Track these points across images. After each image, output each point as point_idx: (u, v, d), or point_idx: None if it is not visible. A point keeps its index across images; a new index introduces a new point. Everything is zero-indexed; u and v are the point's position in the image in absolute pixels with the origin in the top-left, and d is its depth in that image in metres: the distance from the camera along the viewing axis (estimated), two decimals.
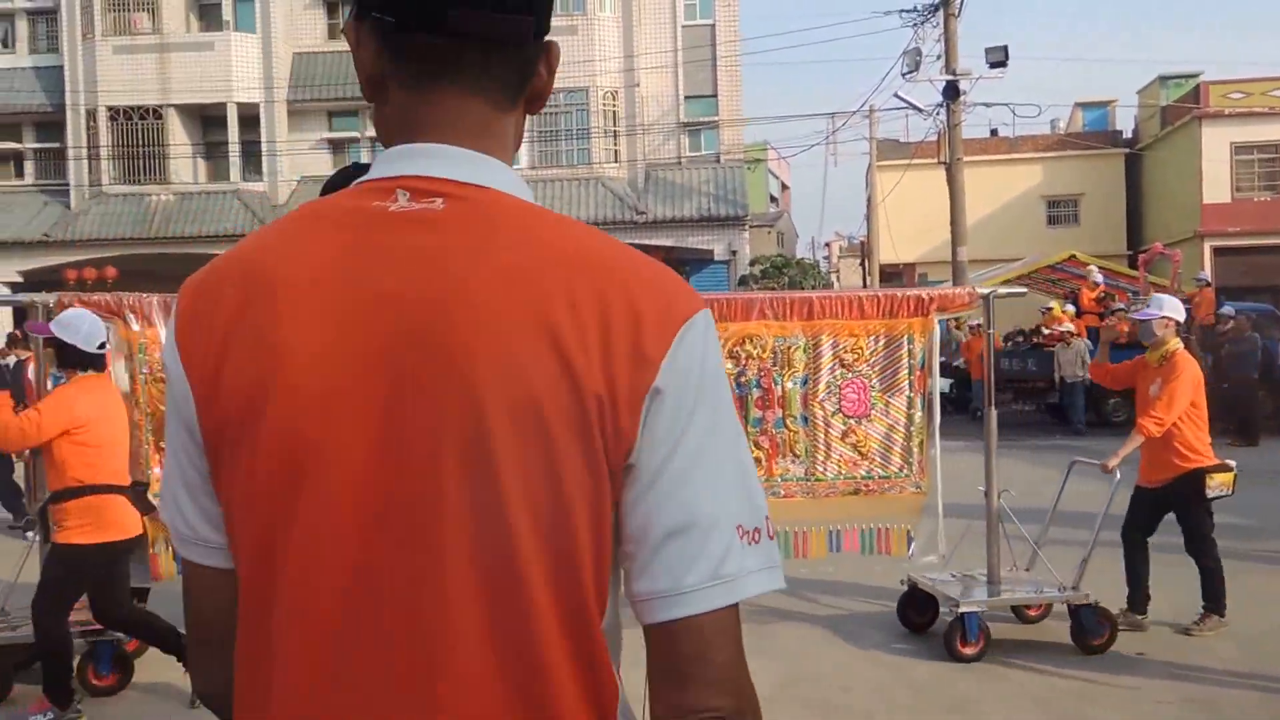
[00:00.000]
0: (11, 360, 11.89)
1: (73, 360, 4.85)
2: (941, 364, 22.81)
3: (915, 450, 5.79)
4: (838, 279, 48.43)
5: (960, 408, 19.56)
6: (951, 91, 21.09)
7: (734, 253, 24.57)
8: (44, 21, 26.24)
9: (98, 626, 5.15)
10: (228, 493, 1.03)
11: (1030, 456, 12.73)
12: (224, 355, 1.00)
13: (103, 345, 4.95)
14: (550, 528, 0.97)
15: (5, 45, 26.51)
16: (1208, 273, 19.40)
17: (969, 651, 5.52)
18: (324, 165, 25.34)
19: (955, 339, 20.54)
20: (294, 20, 25.58)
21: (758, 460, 5.61)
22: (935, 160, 23.06)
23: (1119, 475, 5.84)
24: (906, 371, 5.77)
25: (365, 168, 2.31)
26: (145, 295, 5.66)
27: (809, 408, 5.75)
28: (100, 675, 5.21)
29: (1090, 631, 5.64)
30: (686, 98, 25.38)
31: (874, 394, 5.77)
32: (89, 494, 4.73)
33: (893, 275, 33.34)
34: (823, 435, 5.74)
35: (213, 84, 24.62)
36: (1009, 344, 19.75)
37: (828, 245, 54.06)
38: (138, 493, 5.03)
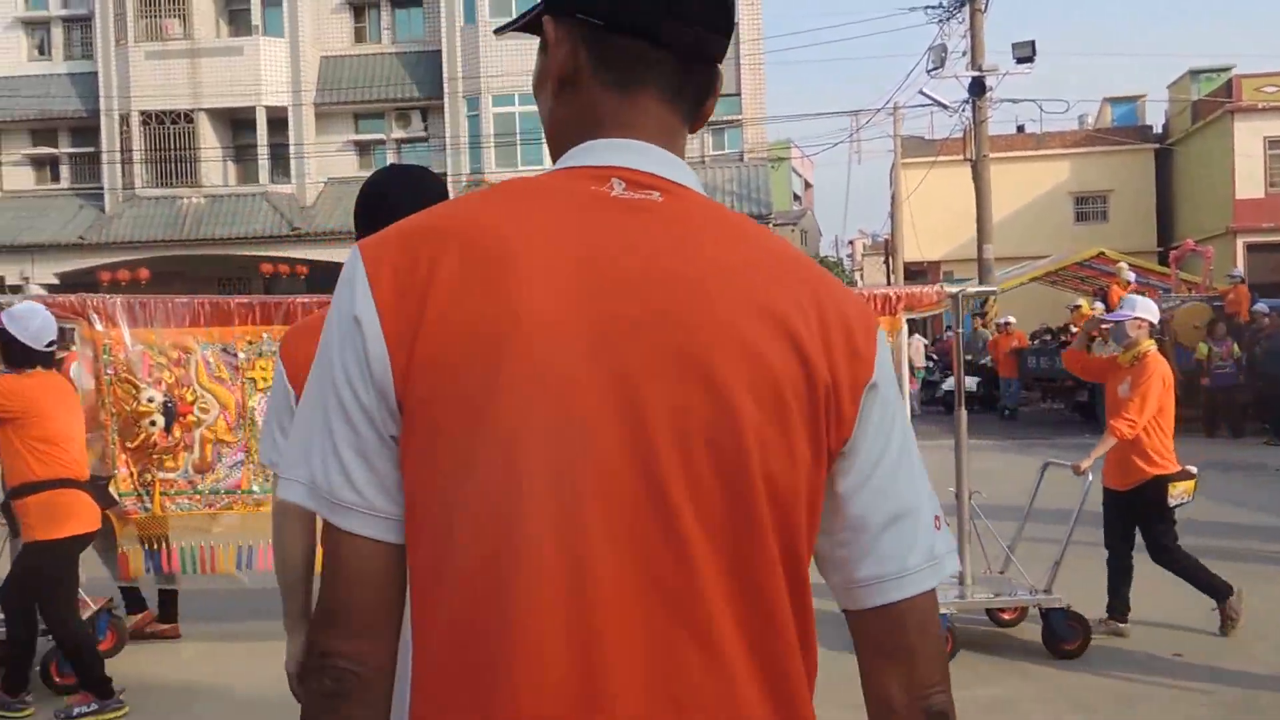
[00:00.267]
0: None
1: (18, 358, 4.75)
2: (968, 362, 22.77)
3: None
4: (861, 277, 48.30)
5: (988, 406, 19.51)
6: (977, 88, 21.03)
7: None
8: (79, 29, 26.61)
9: None
10: (425, 459, 0.98)
11: (1059, 456, 12.61)
12: (444, 319, 0.97)
13: (51, 343, 4.85)
14: (783, 506, 1.01)
15: (41, 52, 26.91)
16: (1241, 269, 19.22)
17: None
18: (350, 167, 25.60)
19: (982, 337, 20.48)
20: (321, 24, 25.82)
21: None
22: (961, 157, 22.96)
23: (1090, 477, 5.80)
24: None
25: (408, 169, 2.37)
26: (109, 296, 5.74)
27: None
28: (63, 674, 5.18)
29: (1062, 635, 5.56)
30: None
31: None
32: (46, 489, 4.72)
33: (917, 273, 33.22)
34: None
35: (242, 88, 24.86)
36: (1036, 342, 19.68)
37: (851, 243, 53.92)
38: (98, 487, 5.04)
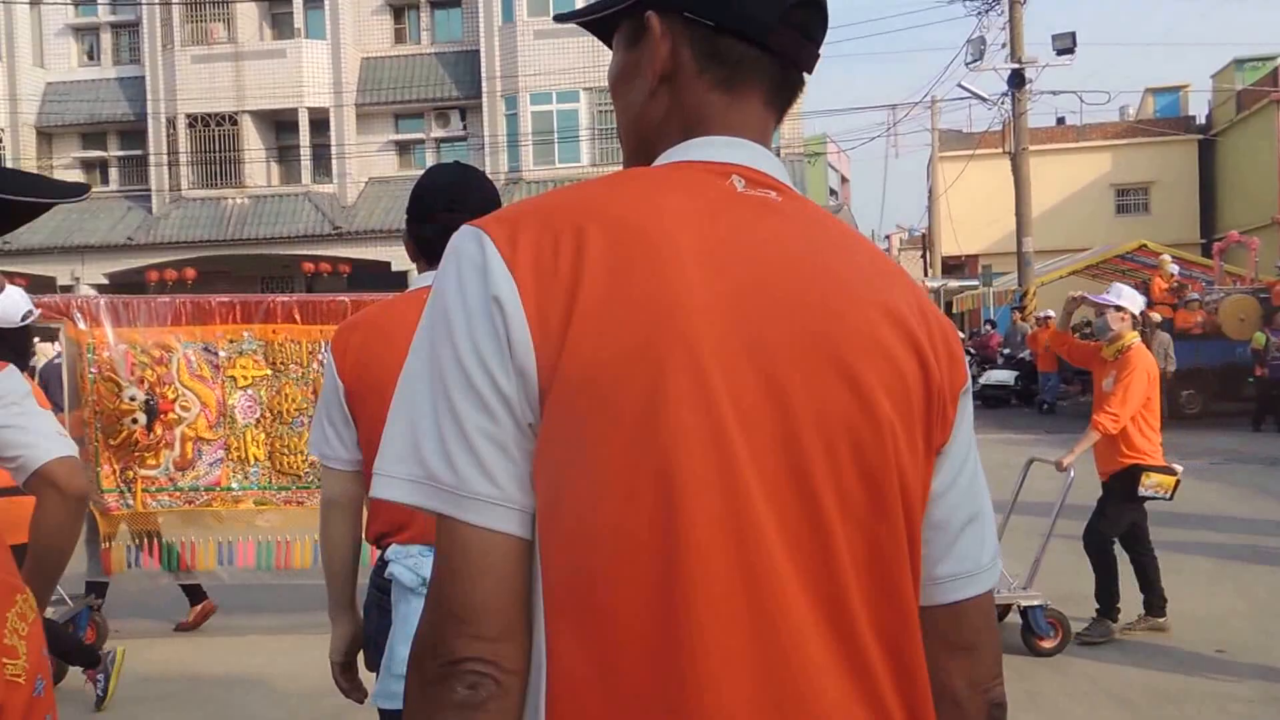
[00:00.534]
0: None
1: None
2: (1007, 356, 22.59)
3: None
4: None
5: (1026, 400, 19.45)
6: (1017, 80, 20.92)
7: None
8: (127, 34, 27.15)
9: None
10: (572, 449, 0.93)
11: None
12: (601, 305, 0.93)
13: (28, 315, 4.52)
14: (909, 504, 1.02)
15: (91, 58, 27.49)
16: None
17: None
18: (390, 167, 25.94)
19: (1021, 330, 20.41)
20: (362, 27, 26.16)
21: None
22: (1000, 150, 22.86)
23: (1072, 474, 5.73)
24: None
25: (468, 168, 2.40)
26: (94, 295, 5.79)
27: None
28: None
29: (1039, 633, 5.49)
30: None
31: None
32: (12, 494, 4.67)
33: (955, 267, 33.07)
34: None
35: (285, 90, 25.25)
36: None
37: (888, 238, 53.61)
38: None
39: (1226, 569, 6.88)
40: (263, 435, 5.90)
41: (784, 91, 1.12)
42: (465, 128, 25.89)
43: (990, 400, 19.98)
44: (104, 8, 27.10)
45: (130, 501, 5.86)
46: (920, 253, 41.49)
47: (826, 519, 0.96)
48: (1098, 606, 5.74)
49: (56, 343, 10.56)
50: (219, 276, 24.77)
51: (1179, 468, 5.75)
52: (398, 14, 26.61)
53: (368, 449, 2.26)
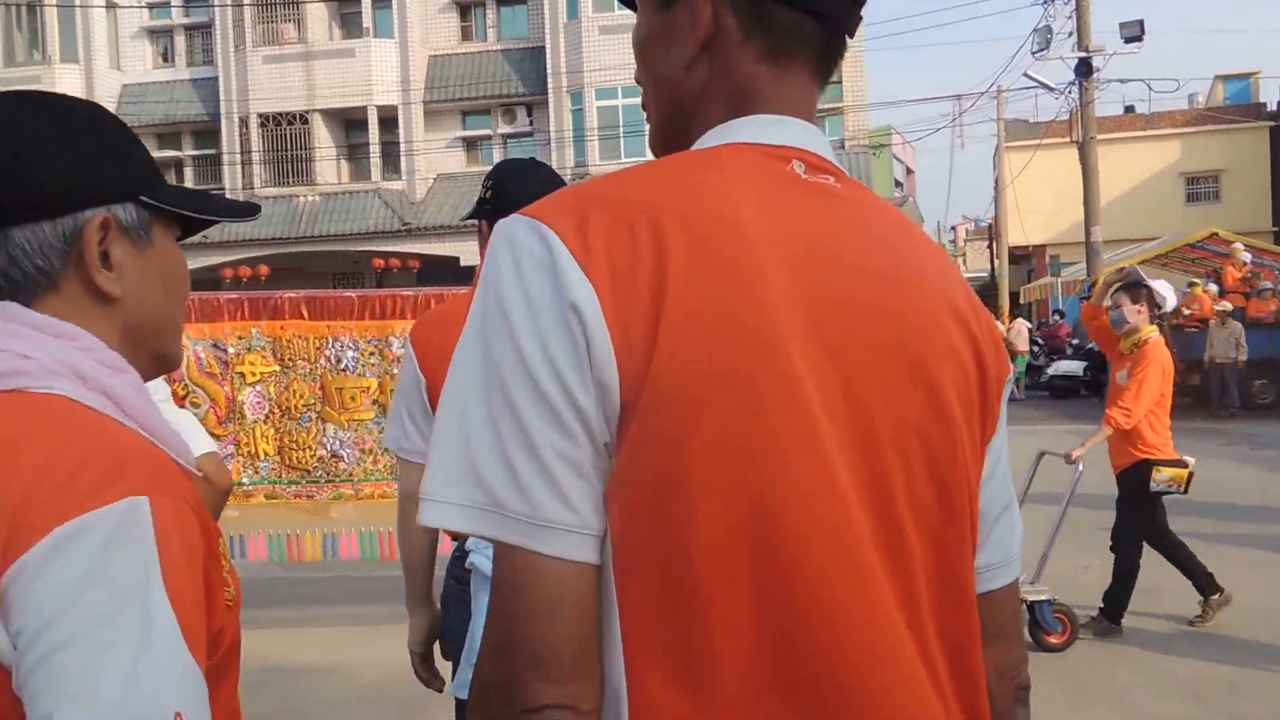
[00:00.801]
0: None
1: None
2: (1075, 346, 22.31)
3: None
4: (965, 263, 47.67)
5: (1096, 390, 19.28)
6: (1084, 69, 20.69)
7: None
8: (200, 36, 27.78)
9: None
10: (654, 467, 0.85)
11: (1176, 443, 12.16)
12: (682, 312, 0.85)
13: None
14: (972, 503, 1.01)
15: (166, 60, 28.18)
16: None
17: None
18: (458, 163, 26.32)
19: None
20: (429, 25, 26.55)
21: None
22: (1067, 139, 22.64)
23: (1081, 467, 5.65)
24: None
25: (538, 164, 2.48)
26: None
27: None
28: None
29: (1046, 628, 5.42)
30: None
31: None
32: None
33: (1021, 257, 32.78)
34: None
35: (354, 89, 25.70)
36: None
37: (954, 229, 53.15)
38: None
39: None
40: (272, 431, 5.90)
41: (830, 61, 1.04)
42: (531, 123, 26.18)
43: (1059, 390, 19.85)
44: (178, 10, 27.72)
45: None
46: (986, 243, 41.12)
47: (904, 528, 0.93)
48: (1103, 606, 5.65)
49: None
50: (291, 273, 25.30)
51: (1190, 460, 5.64)
52: (464, 12, 26.96)
53: None
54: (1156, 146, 33.13)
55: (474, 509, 0.85)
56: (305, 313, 5.88)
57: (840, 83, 25.06)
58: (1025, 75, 22.06)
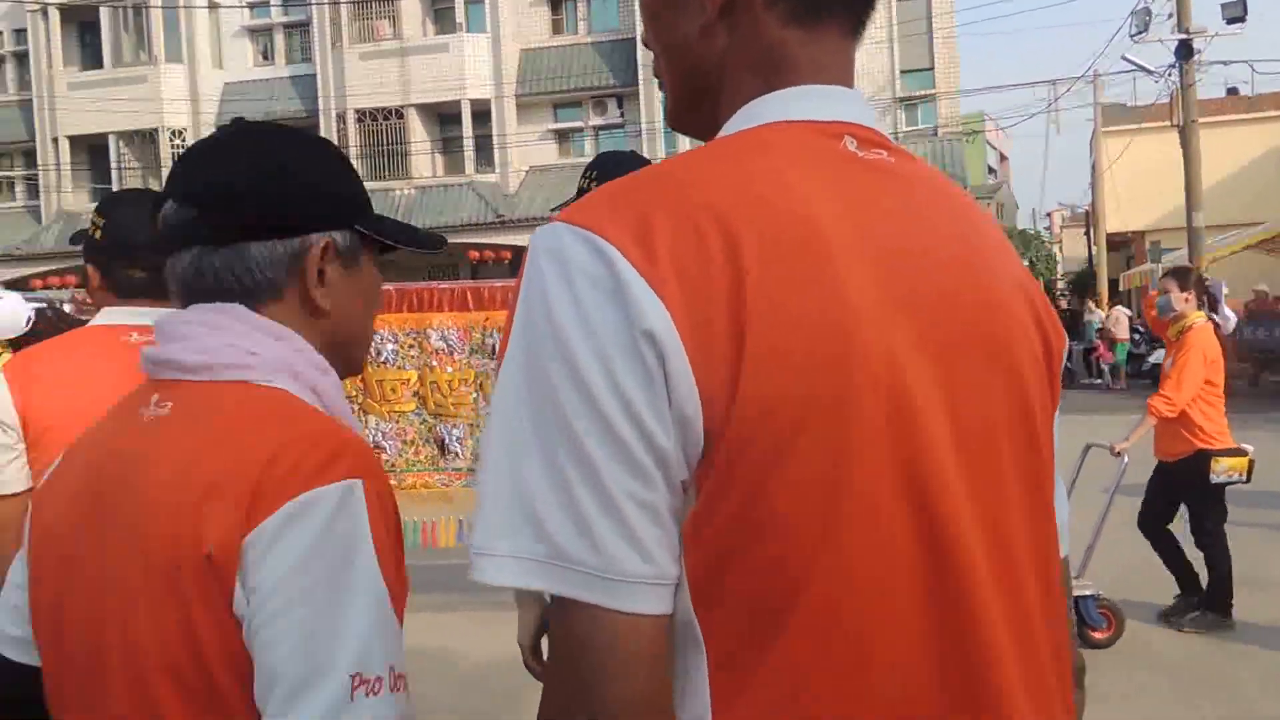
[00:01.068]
0: None
1: None
2: (1156, 338, 21.82)
3: None
4: (1060, 250, 46.75)
5: None
6: (1184, 51, 20.20)
7: None
8: (298, 34, 28.47)
9: None
10: (745, 503, 0.79)
11: (1259, 432, 11.23)
12: (766, 327, 0.78)
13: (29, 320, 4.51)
14: (1051, 491, 0.97)
15: (265, 58, 28.97)
16: None
17: None
18: (550, 155, 26.64)
19: None
20: (520, 19, 26.90)
21: None
22: (1167, 123, 22.12)
23: (1126, 459, 5.53)
24: None
25: (639, 158, 2.45)
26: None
27: None
28: None
29: (1091, 624, 5.30)
30: (902, 72, 25.23)
31: None
32: None
33: (1120, 244, 32.04)
34: None
35: (448, 83, 26.13)
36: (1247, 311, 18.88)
37: (1049, 215, 52.11)
38: None
39: None
40: None
41: (863, 19, 0.95)
42: (623, 115, 26.39)
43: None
44: (276, 9, 28.41)
45: None
46: (1083, 230, 40.29)
47: (1017, 554, 0.89)
48: (1206, 600, 5.55)
49: None
50: (388, 266, 25.08)
51: (1249, 448, 5.54)
52: (555, 5, 27.23)
53: None
54: (1260, 129, 32.05)
55: (535, 563, 0.76)
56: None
57: (932, 69, 24.84)
58: (1123, 58, 21.62)
